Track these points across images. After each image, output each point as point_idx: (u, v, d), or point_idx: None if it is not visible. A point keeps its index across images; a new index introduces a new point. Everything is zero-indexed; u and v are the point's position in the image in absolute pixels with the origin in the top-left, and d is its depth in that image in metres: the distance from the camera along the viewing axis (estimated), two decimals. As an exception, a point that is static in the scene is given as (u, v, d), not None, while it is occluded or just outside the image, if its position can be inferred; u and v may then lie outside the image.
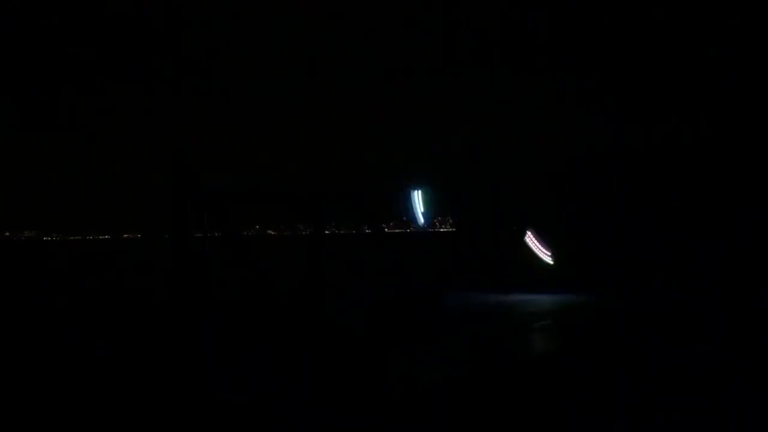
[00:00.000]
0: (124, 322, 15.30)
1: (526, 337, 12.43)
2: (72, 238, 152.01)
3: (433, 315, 14.68)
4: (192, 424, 7.18)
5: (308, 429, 6.91)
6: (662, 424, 6.63)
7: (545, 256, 20.20)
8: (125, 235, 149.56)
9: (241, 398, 7.99)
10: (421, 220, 18.57)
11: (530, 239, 20.14)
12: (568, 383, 8.39)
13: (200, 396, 8.24)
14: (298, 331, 12.91)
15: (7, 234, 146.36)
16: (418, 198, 18.29)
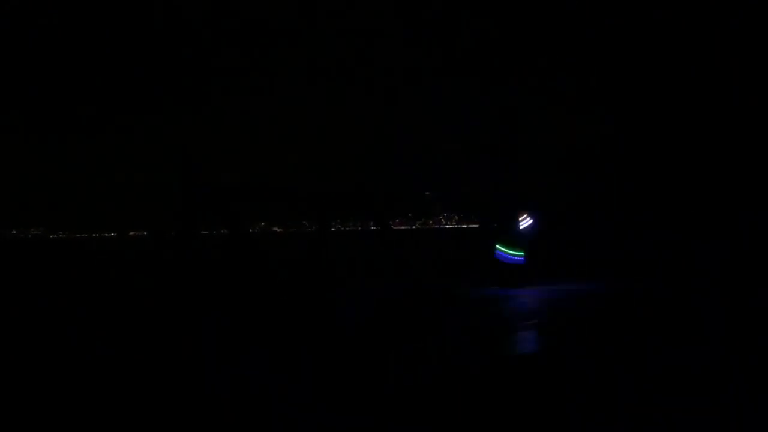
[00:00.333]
0: (124, 321, 15.31)
1: (527, 336, 12.44)
2: (78, 235, 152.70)
3: (433, 314, 14.68)
4: (192, 424, 7.20)
5: (308, 429, 6.92)
6: (662, 424, 6.64)
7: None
8: (131, 233, 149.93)
9: (241, 398, 8.00)
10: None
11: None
12: (568, 383, 8.40)
13: (200, 396, 8.26)
14: (298, 331, 12.91)
15: (14, 232, 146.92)
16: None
